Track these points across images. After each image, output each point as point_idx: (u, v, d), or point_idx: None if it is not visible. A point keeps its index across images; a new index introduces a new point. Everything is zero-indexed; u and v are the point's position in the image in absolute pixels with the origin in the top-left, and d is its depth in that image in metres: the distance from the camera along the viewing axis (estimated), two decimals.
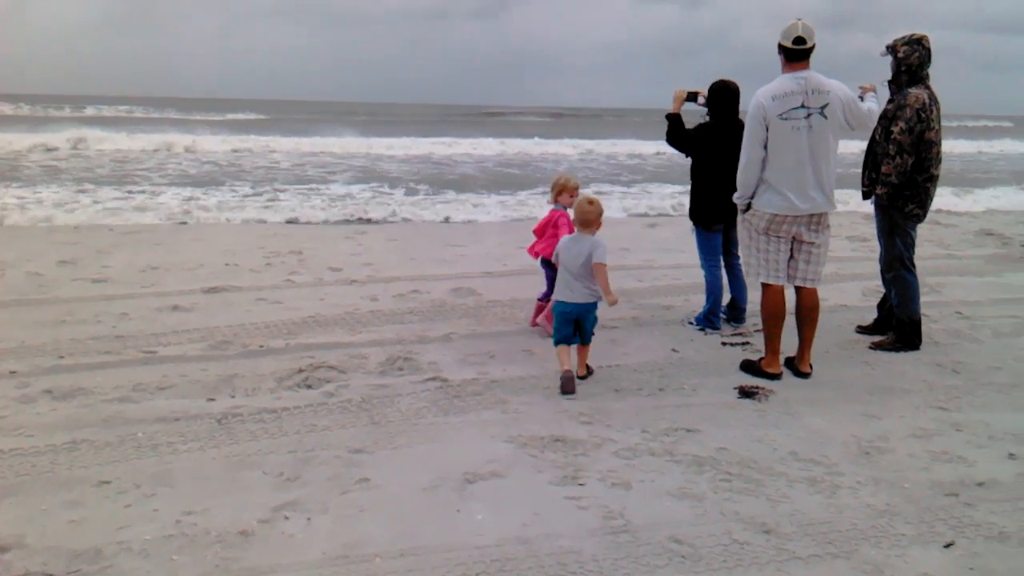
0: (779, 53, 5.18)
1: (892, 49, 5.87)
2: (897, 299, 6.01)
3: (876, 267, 6.33)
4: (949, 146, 27.92)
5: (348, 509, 3.55)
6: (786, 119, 5.03)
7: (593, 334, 5.33)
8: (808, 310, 5.36)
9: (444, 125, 46.14)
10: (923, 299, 6.20)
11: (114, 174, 18.69)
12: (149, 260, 8.60)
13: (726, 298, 6.58)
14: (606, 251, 5.13)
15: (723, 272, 6.50)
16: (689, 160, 6.52)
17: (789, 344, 5.46)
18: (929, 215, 6.10)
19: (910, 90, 5.76)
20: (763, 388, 5.11)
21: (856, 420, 4.66)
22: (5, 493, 3.62)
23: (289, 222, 12.26)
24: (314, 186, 17.16)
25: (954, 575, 3.18)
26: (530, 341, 6.02)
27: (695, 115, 6.45)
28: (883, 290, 6.37)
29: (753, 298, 6.01)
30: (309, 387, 5.03)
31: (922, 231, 6.15)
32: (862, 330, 6.46)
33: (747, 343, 6.08)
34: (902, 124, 5.68)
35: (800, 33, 5.04)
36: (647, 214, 13.42)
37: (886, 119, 5.82)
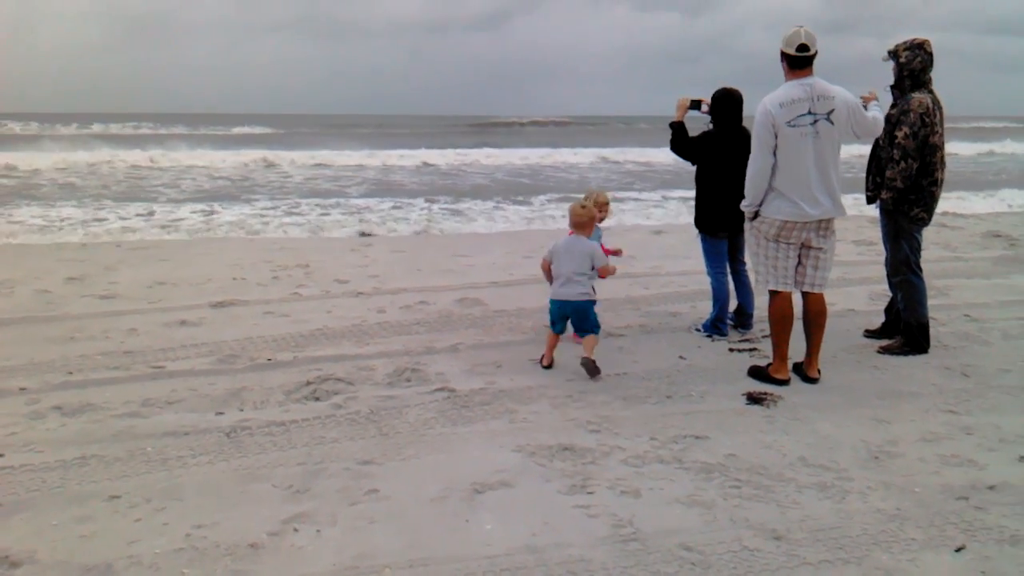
0: (782, 60, 5.19)
1: (894, 54, 5.88)
2: (904, 303, 6.00)
3: (883, 271, 6.33)
4: (953, 147, 28.00)
5: (357, 521, 3.55)
6: (794, 126, 5.04)
7: (598, 327, 5.67)
8: (816, 315, 5.35)
9: (449, 136, 46.37)
10: (931, 302, 6.19)
11: (130, 190, 18.88)
12: (156, 275, 8.64)
13: (733, 304, 6.57)
14: (603, 255, 5.67)
15: (729, 278, 6.50)
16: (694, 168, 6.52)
17: (797, 349, 5.45)
18: (935, 217, 6.09)
19: (913, 95, 5.76)
20: (771, 394, 5.10)
21: (865, 425, 4.65)
22: (16, 508, 3.63)
23: (364, 235, 12.49)
24: (335, 200, 17.29)
25: None
26: (537, 350, 6.01)
27: (699, 122, 6.46)
28: (890, 294, 6.36)
29: (760, 304, 6.01)
30: (317, 399, 5.04)
31: (928, 234, 6.14)
32: (870, 334, 6.45)
33: (755, 349, 6.07)
34: (906, 129, 5.68)
35: (803, 40, 5.05)
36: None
37: (890, 124, 5.82)
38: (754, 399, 5.03)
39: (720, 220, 6.29)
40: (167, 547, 3.32)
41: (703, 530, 3.48)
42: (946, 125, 5.93)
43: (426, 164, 28.31)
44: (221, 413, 4.80)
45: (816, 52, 5.09)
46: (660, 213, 15.07)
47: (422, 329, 6.64)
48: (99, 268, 9.01)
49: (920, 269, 5.99)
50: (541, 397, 5.06)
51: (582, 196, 6.39)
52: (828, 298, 5.50)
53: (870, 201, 6.17)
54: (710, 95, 6.37)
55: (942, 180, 5.89)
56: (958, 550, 3.34)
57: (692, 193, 6.59)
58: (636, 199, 17.37)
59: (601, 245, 5.94)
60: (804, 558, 3.27)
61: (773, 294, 5.35)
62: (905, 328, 6.02)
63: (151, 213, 14.56)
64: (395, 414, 4.77)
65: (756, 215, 5.32)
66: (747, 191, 5.31)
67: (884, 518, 3.59)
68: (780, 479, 3.95)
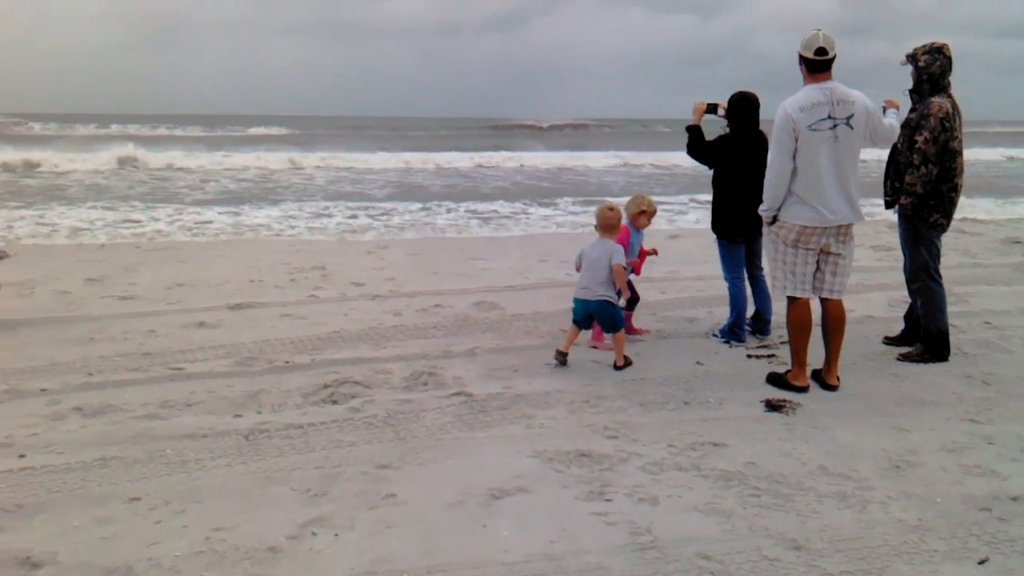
0: (800, 64, 5.16)
1: (912, 58, 5.83)
2: (923, 310, 5.96)
3: (902, 277, 6.28)
4: (973, 153, 27.84)
5: (375, 525, 3.55)
6: (815, 130, 5.01)
7: (623, 322, 5.89)
8: (835, 322, 5.32)
9: (466, 138, 46.45)
10: (950, 309, 6.13)
11: (155, 192, 19.10)
12: (175, 277, 8.68)
13: (750, 310, 6.55)
14: (623, 256, 5.81)
15: (747, 284, 6.47)
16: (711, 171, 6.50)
17: (816, 356, 5.42)
18: (954, 223, 6.04)
19: (933, 99, 5.71)
20: (790, 401, 5.08)
21: (886, 433, 4.62)
22: (37, 510, 3.65)
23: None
24: (364, 203, 17.44)
25: None
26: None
27: (716, 126, 6.45)
28: (909, 300, 6.31)
29: (778, 310, 5.98)
30: (335, 403, 5.05)
31: (947, 240, 6.10)
32: (889, 341, 6.40)
33: (773, 355, 6.04)
34: (926, 134, 5.64)
35: (821, 44, 5.02)
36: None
37: (909, 128, 5.78)
38: (773, 406, 5.01)
39: (738, 225, 6.27)
40: (187, 550, 3.33)
41: (722, 539, 3.46)
42: (964, 130, 5.89)
43: (446, 166, 28.52)
44: (239, 415, 4.82)
45: (835, 56, 5.06)
46: (685, 219, 15.14)
47: (439, 333, 6.64)
48: (118, 269, 9.07)
49: (939, 275, 5.94)
50: (558, 402, 5.05)
51: (644, 205, 6.43)
52: (847, 304, 5.46)
53: (888, 206, 6.13)
54: (725, 98, 6.36)
55: (961, 185, 5.85)
56: (981, 562, 3.31)
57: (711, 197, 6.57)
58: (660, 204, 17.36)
59: (641, 248, 6.28)
60: (824, 568, 3.24)
61: (791, 300, 5.32)
62: (925, 335, 5.97)
63: (178, 215, 14.78)
64: (412, 418, 4.77)
65: (774, 220, 5.29)
66: (766, 195, 5.28)
67: (905, 528, 3.56)
68: (800, 488, 3.92)
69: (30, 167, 23.91)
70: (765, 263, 5.77)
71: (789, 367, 5.41)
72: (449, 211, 16.14)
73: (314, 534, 3.47)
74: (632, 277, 6.40)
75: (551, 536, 3.46)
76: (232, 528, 3.51)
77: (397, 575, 3.18)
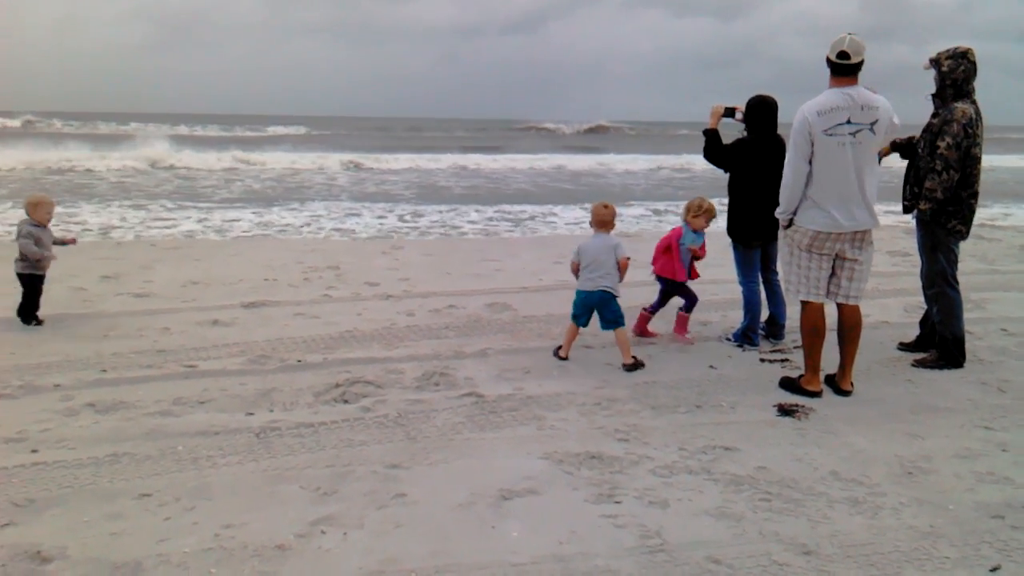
0: (827, 66, 5.11)
1: (936, 62, 5.78)
2: (940, 316, 5.91)
3: (918, 282, 6.23)
4: (997, 160, 27.65)
5: (384, 525, 3.55)
6: (831, 135, 4.97)
7: (623, 318, 5.94)
8: (850, 327, 5.28)
9: (486, 140, 46.58)
10: (967, 315, 6.08)
11: (182, 191, 19.29)
12: (190, 275, 8.73)
13: (764, 314, 6.51)
14: (625, 248, 5.99)
15: (761, 288, 6.44)
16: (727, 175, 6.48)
17: (830, 361, 5.39)
18: (972, 229, 5.99)
19: (956, 104, 5.65)
20: (803, 406, 5.05)
21: (899, 439, 4.58)
22: (49, 505, 3.67)
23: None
24: (389, 204, 17.57)
25: None
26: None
27: (733, 129, 6.42)
28: (925, 306, 6.26)
29: (792, 314, 5.95)
30: (346, 402, 5.05)
31: (965, 246, 6.05)
32: (904, 347, 6.36)
33: (786, 360, 6.01)
34: (949, 139, 5.58)
35: (845, 48, 4.97)
36: None
37: (931, 133, 5.73)
38: (785, 411, 4.98)
39: (754, 229, 6.23)
40: (196, 546, 3.34)
41: (732, 543, 3.44)
42: (985, 136, 5.83)
43: (470, 168, 28.71)
44: (251, 413, 4.83)
45: (862, 61, 5.00)
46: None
47: (451, 333, 6.64)
48: (134, 267, 9.13)
49: (956, 282, 5.89)
50: (569, 404, 5.04)
51: (705, 208, 6.48)
52: (862, 310, 5.42)
53: (907, 211, 6.08)
54: (744, 101, 6.33)
55: (978, 192, 5.80)
56: (993, 570, 3.28)
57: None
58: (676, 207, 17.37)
59: (701, 246, 6.50)
60: (834, 574, 3.22)
61: (804, 304, 5.29)
62: (940, 341, 5.93)
63: (207, 215, 14.95)
64: (423, 418, 4.78)
65: (790, 223, 5.26)
66: (781, 198, 5.25)
67: (917, 535, 3.53)
68: (811, 493, 3.89)
69: (59, 165, 24.21)
70: (779, 267, 5.74)
71: (802, 372, 5.38)
72: (477, 212, 16.27)
73: (323, 533, 3.48)
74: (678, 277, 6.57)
75: (560, 538, 3.45)
76: (241, 525, 3.52)
77: (405, 575, 3.18)
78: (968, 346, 6.00)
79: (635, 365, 5.80)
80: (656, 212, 16.80)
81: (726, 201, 6.49)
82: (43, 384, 5.24)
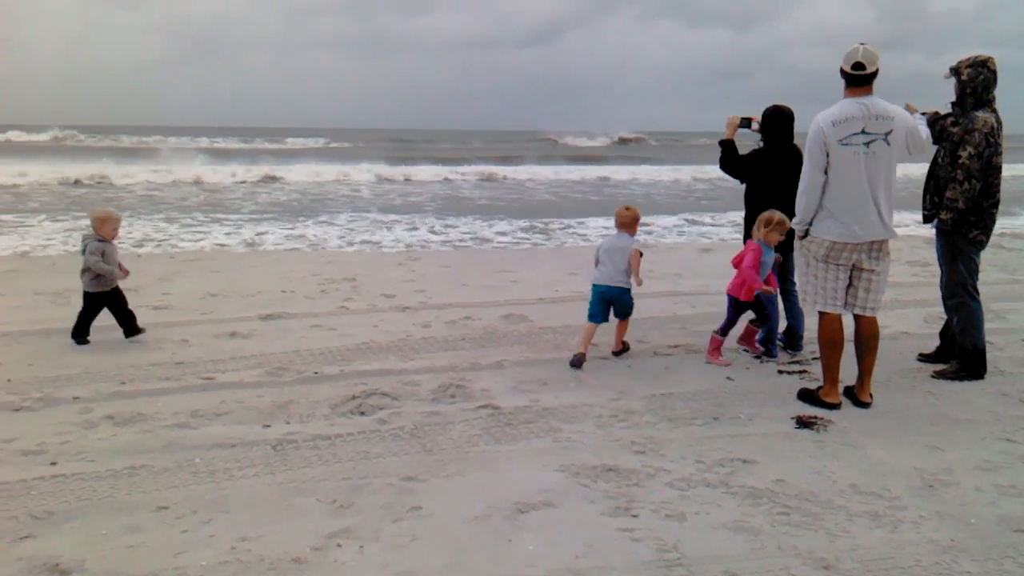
0: (841, 77, 5.10)
1: (956, 71, 5.74)
2: (960, 326, 5.85)
3: (938, 293, 6.18)
4: (1016, 169, 27.47)
5: (400, 537, 3.55)
6: (846, 144, 4.95)
7: (630, 313, 6.38)
8: (868, 338, 5.24)
9: (505, 151, 46.73)
10: (987, 326, 6.03)
11: (211, 204, 19.47)
12: (208, 287, 8.78)
13: (782, 325, 6.47)
14: (639, 246, 6.35)
15: (779, 299, 6.40)
16: (743, 186, 6.46)
17: (848, 373, 5.34)
18: (992, 238, 5.94)
19: (977, 113, 5.61)
20: (822, 418, 5.01)
21: (919, 452, 4.53)
22: (67, 517, 3.69)
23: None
24: (415, 216, 17.66)
25: None
26: (582, 368, 5.99)
27: (750, 139, 6.40)
28: (945, 317, 6.21)
29: (810, 325, 5.90)
30: (362, 414, 5.06)
31: (985, 256, 5.99)
32: (924, 358, 6.30)
33: (805, 372, 5.97)
34: (971, 149, 5.53)
35: (859, 59, 4.95)
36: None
37: (952, 143, 5.69)
38: (804, 423, 4.94)
39: None
40: (213, 559, 3.35)
41: (750, 557, 3.41)
42: (1005, 144, 5.79)
43: (491, 179, 28.92)
44: (268, 426, 4.84)
45: (876, 71, 4.99)
46: (718, 232, 15.13)
47: (467, 345, 6.64)
48: (152, 279, 9.19)
49: (977, 292, 5.84)
50: (586, 416, 5.02)
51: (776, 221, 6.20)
52: (881, 320, 5.38)
53: (926, 221, 6.04)
54: (760, 112, 6.31)
55: (999, 201, 5.75)
56: None
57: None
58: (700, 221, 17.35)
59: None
60: None
61: (822, 315, 5.26)
62: (961, 352, 5.87)
63: (236, 229, 15.02)
64: (439, 431, 4.77)
65: (806, 234, 5.24)
66: (797, 208, 5.23)
67: (938, 549, 3.49)
68: (830, 506, 3.86)
69: (87, 178, 24.52)
70: (797, 277, 5.70)
71: (821, 383, 5.34)
72: (506, 223, 16.37)
73: (339, 546, 3.48)
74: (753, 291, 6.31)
75: (576, 551, 3.43)
76: (258, 538, 3.52)
77: None
78: (989, 357, 5.94)
79: (624, 349, 6.40)
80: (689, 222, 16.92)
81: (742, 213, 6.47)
82: (62, 396, 5.28)
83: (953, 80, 5.79)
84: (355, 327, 7.18)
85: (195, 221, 16.01)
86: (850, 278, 5.18)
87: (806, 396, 5.34)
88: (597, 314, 6.27)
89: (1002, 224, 8.47)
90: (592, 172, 32.44)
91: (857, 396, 5.28)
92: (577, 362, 6.04)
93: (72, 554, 3.36)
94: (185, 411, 5.04)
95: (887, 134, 4.95)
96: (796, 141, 6.16)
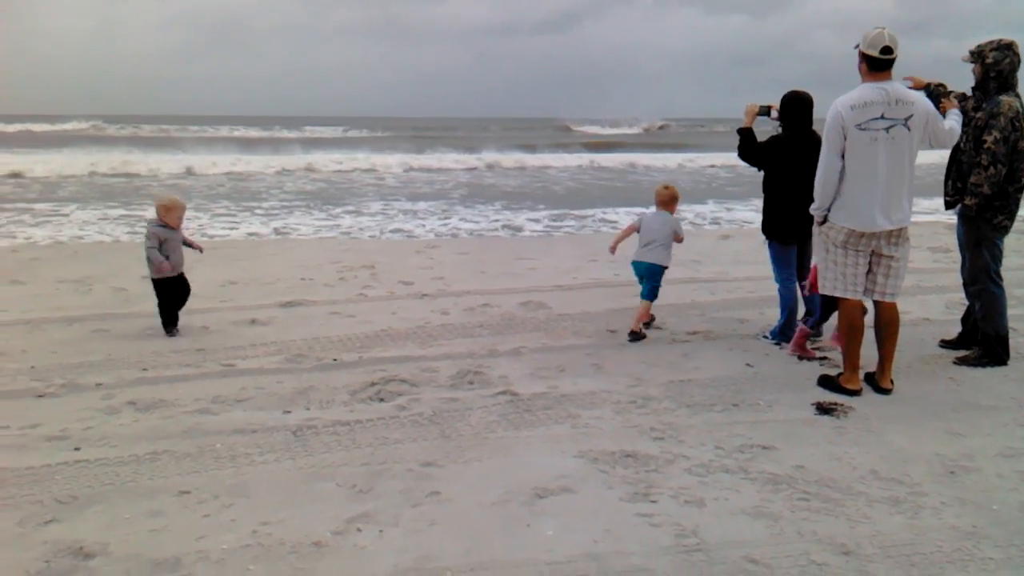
0: (861, 62, 5.02)
1: (979, 55, 5.66)
2: (983, 313, 5.79)
3: (959, 279, 6.12)
4: None
5: (419, 522, 3.57)
6: (864, 129, 4.90)
7: (657, 292, 6.62)
8: (888, 324, 5.20)
9: (526, 139, 46.68)
10: (1011, 312, 5.96)
11: (237, 193, 19.56)
12: (228, 275, 8.83)
13: (801, 310, 6.43)
14: (681, 227, 6.71)
15: (797, 285, 6.36)
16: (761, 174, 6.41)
17: (869, 359, 5.31)
18: (1015, 224, 5.87)
19: (1002, 97, 5.53)
20: (842, 404, 4.98)
21: (940, 438, 4.50)
22: (91, 501, 3.74)
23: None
24: (438, 203, 17.76)
25: None
26: (600, 355, 5.99)
27: (769, 128, 6.35)
28: (967, 303, 6.15)
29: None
30: (381, 400, 5.08)
31: (1009, 241, 5.92)
32: (946, 344, 6.25)
33: (825, 358, 5.93)
34: (996, 133, 5.46)
35: (887, 42, 4.88)
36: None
37: (976, 128, 5.61)
38: (824, 409, 4.91)
39: (789, 227, 6.16)
40: (234, 543, 3.38)
41: (769, 543, 3.40)
42: None
43: (516, 166, 28.93)
44: (288, 412, 4.88)
45: (896, 56, 4.94)
46: (734, 217, 15.07)
47: (485, 332, 6.65)
48: None
49: (1000, 278, 5.77)
50: (604, 402, 5.02)
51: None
52: (902, 306, 5.35)
53: (949, 207, 5.97)
54: (778, 98, 6.26)
55: None
56: None
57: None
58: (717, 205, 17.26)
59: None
60: (874, 575, 3.17)
61: (842, 302, 5.22)
62: (983, 339, 5.81)
63: (268, 218, 15.11)
64: (457, 417, 4.79)
65: (825, 220, 5.19)
66: (816, 194, 5.18)
67: (959, 536, 3.46)
68: (850, 492, 3.84)
69: (113, 168, 24.72)
70: (816, 263, 5.65)
71: (841, 370, 5.31)
72: (543, 211, 16.38)
73: (359, 530, 3.50)
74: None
75: (595, 536, 3.44)
76: (279, 523, 3.55)
77: (440, 573, 3.18)
78: (1012, 343, 5.88)
79: (638, 336, 6.43)
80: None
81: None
82: (85, 383, 5.33)
83: (972, 65, 5.72)
84: (374, 314, 7.20)
85: (226, 211, 16.10)
86: (869, 264, 5.14)
87: (826, 382, 5.31)
88: (645, 287, 6.63)
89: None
90: (619, 160, 32.31)
91: (878, 382, 5.25)
92: (634, 339, 6.41)
93: (95, 538, 3.40)
94: (206, 397, 5.08)
95: (907, 119, 4.90)
96: (815, 127, 6.10)
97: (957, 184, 5.81)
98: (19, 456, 4.20)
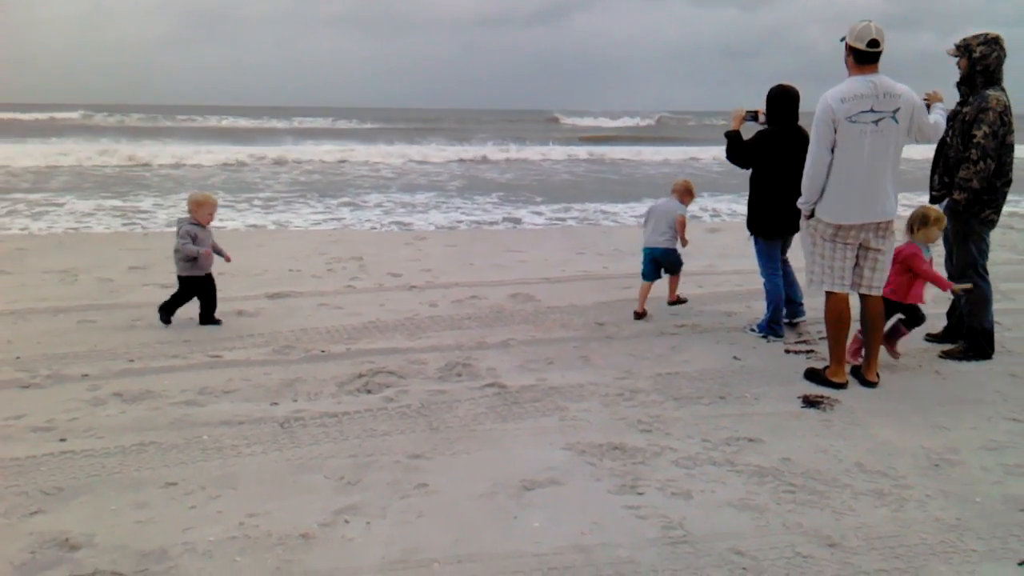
0: (848, 55, 5.03)
1: (966, 48, 5.67)
2: (969, 306, 5.83)
3: (945, 273, 6.15)
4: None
5: (407, 514, 3.57)
6: (854, 122, 4.91)
7: (677, 269, 6.99)
8: (874, 318, 5.23)
9: (516, 131, 46.59)
10: (996, 306, 6.01)
11: (240, 182, 19.39)
12: (216, 266, 8.77)
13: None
14: (686, 212, 6.98)
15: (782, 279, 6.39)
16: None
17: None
18: (1002, 219, 5.91)
19: (989, 92, 5.56)
20: (828, 397, 5.00)
21: (925, 431, 4.53)
22: (77, 493, 3.72)
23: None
24: (440, 195, 17.70)
25: None
26: (588, 347, 6.00)
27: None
28: (952, 297, 6.18)
29: (817, 304, 5.88)
30: (369, 392, 5.08)
31: (995, 236, 5.96)
32: (932, 338, 6.29)
33: (811, 351, 5.96)
34: (985, 128, 5.48)
35: (874, 35, 4.89)
36: None
37: (964, 122, 5.63)
38: (810, 402, 4.94)
39: (776, 224, 6.18)
40: (221, 535, 3.37)
41: (755, 534, 3.42)
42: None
43: (511, 158, 28.88)
44: (275, 403, 4.86)
45: (883, 49, 4.95)
46: (722, 211, 15.07)
47: (474, 324, 6.65)
48: (161, 257, 9.19)
49: (987, 272, 5.81)
50: (592, 395, 5.03)
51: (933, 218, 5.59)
52: None
53: (934, 202, 5.99)
54: (767, 91, 6.27)
55: (1011, 181, 5.72)
56: (1021, 563, 3.23)
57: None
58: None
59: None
60: (859, 566, 3.19)
61: (828, 295, 5.24)
62: (968, 333, 5.85)
63: (265, 211, 14.92)
64: (445, 408, 4.79)
65: (812, 213, 5.20)
66: (804, 188, 5.18)
67: (943, 528, 3.49)
68: (836, 485, 3.86)
69: (103, 159, 24.54)
70: (804, 257, 5.64)
71: (827, 363, 5.34)
72: (543, 204, 16.30)
73: (346, 522, 3.50)
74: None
75: (582, 528, 3.45)
76: (266, 514, 3.54)
77: (427, 564, 3.19)
78: (997, 337, 5.93)
79: (678, 301, 7.04)
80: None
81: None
82: (71, 373, 5.31)
83: (958, 59, 5.73)
84: (362, 306, 7.19)
85: (224, 201, 15.93)
86: (856, 258, 5.16)
87: (812, 376, 5.34)
88: (648, 273, 6.94)
89: (1013, 206, 8.41)
90: (606, 153, 32.30)
91: (864, 376, 5.28)
92: (638, 317, 6.86)
93: (81, 529, 3.39)
94: (193, 388, 5.06)
95: (895, 112, 4.91)
96: (802, 121, 6.11)
97: (944, 179, 5.84)
98: (4, 447, 4.18)
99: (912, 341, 6.22)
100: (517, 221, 14.16)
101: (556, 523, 3.49)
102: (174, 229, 6.73)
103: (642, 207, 15.98)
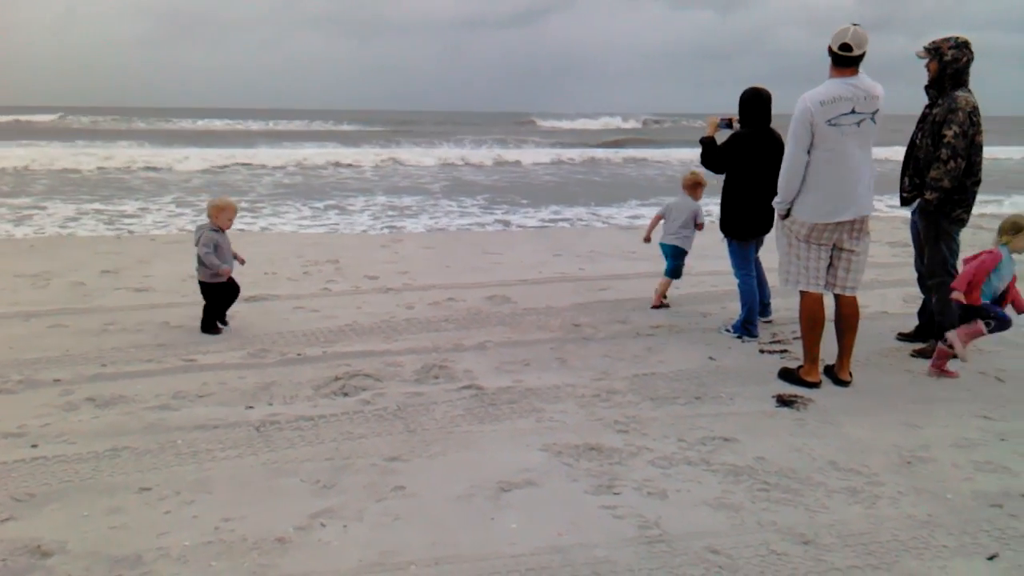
0: (829, 56, 5.09)
1: (936, 51, 5.75)
2: (939, 306, 5.90)
3: (914, 273, 6.23)
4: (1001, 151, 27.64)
5: (383, 517, 3.56)
6: (834, 125, 4.95)
7: (680, 272, 7.27)
8: (848, 318, 5.28)
9: (494, 134, 46.61)
10: None
11: (223, 186, 19.24)
12: (189, 269, 8.66)
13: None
14: (701, 208, 7.19)
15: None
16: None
17: (828, 352, 5.39)
18: (972, 219, 5.99)
19: (958, 93, 5.64)
20: (802, 397, 5.05)
21: (897, 429, 4.59)
22: (49, 499, 3.68)
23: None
24: (424, 198, 17.61)
25: None
26: (565, 349, 6.01)
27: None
28: (922, 296, 6.26)
29: (791, 305, 5.94)
30: (345, 395, 5.06)
31: (965, 236, 6.04)
32: (903, 337, 6.35)
33: (785, 351, 6.01)
34: (956, 128, 5.56)
35: (847, 40, 4.93)
36: None
37: (934, 123, 5.71)
38: (784, 401, 4.98)
39: (749, 226, 6.22)
40: (196, 540, 3.35)
41: (730, 533, 3.45)
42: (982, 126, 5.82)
43: (492, 162, 28.85)
44: (251, 407, 4.84)
45: (863, 53, 4.99)
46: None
47: (450, 326, 6.65)
48: (133, 261, 9.14)
49: (957, 271, 5.88)
50: (568, 396, 5.04)
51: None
52: (861, 300, 5.43)
53: (905, 203, 6.06)
54: (742, 93, 6.33)
55: (981, 180, 5.81)
56: (991, 558, 3.28)
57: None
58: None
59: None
60: (832, 563, 3.23)
61: (803, 295, 5.29)
62: (939, 332, 5.91)
63: (252, 215, 14.74)
64: (422, 411, 4.78)
65: (788, 214, 5.25)
66: (780, 188, 5.23)
67: (915, 524, 3.54)
68: (809, 483, 3.90)
69: (78, 163, 24.22)
70: (779, 257, 5.70)
71: (801, 362, 5.38)
72: (533, 208, 16.29)
73: (323, 525, 3.48)
74: None
75: (559, 529, 3.46)
76: (241, 519, 3.52)
77: (405, 567, 3.19)
78: None
79: (662, 305, 7.23)
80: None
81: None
82: (43, 379, 5.25)
83: (926, 60, 5.81)
84: (338, 308, 7.16)
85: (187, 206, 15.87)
86: (831, 258, 5.21)
87: (787, 375, 5.38)
88: (671, 268, 7.21)
89: (982, 207, 8.51)
90: (584, 155, 32.37)
91: (837, 375, 5.33)
92: (656, 308, 7.20)
93: (54, 536, 3.35)
94: (167, 393, 5.02)
95: (874, 113, 4.98)
96: (779, 123, 6.17)
97: (915, 180, 5.91)
98: None
99: (884, 341, 6.29)
100: (506, 224, 14.15)
101: (533, 524, 3.50)
102: (174, 231, 6.67)
103: (629, 210, 16.13)
